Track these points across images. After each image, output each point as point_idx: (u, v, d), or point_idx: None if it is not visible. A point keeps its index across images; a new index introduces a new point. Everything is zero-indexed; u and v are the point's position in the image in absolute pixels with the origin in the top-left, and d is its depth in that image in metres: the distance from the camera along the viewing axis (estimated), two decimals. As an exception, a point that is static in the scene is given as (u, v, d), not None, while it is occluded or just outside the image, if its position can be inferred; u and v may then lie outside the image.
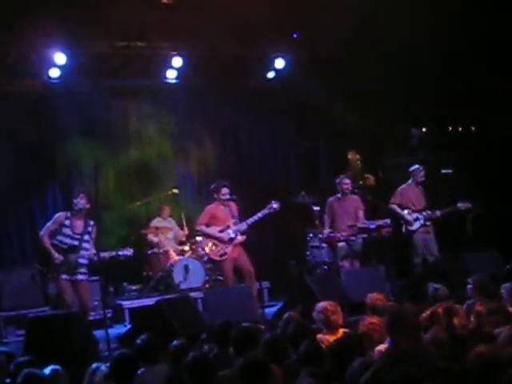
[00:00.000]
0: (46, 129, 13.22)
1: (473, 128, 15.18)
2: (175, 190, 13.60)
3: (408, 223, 12.34)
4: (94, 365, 6.57)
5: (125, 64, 13.32)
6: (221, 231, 11.47)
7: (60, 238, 10.39)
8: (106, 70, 13.23)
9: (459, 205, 12.22)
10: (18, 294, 11.85)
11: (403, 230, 12.44)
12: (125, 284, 13.25)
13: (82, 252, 10.37)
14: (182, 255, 13.06)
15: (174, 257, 13.02)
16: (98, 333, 9.92)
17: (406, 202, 12.45)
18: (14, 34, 11.68)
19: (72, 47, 12.39)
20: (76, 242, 10.38)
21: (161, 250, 13.18)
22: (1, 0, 11.13)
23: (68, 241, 10.38)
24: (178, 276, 12.71)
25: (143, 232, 13.27)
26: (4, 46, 11.99)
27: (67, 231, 10.40)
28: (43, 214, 13.03)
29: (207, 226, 11.56)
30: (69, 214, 10.49)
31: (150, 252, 13.33)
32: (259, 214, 11.46)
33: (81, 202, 10.39)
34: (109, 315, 11.34)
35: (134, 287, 13.26)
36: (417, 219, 12.33)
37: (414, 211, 12.36)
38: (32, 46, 12.09)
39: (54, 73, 12.62)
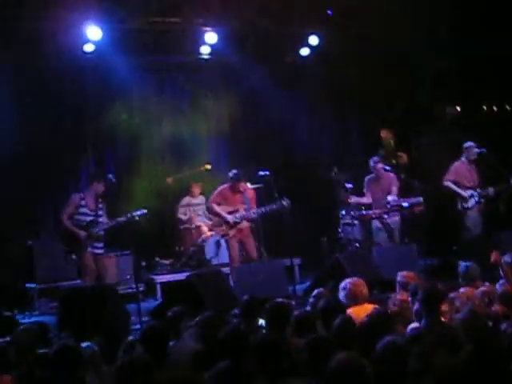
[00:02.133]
0: (79, 104, 13.28)
1: (508, 107, 15.02)
2: (208, 166, 13.61)
3: (464, 200, 12.24)
4: (130, 337, 6.65)
5: (159, 39, 13.31)
6: (229, 213, 11.54)
7: (78, 217, 10.99)
8: (141, 46, 13.23)
9: (511, 182, 12.10)
10: (52, 267, 11.99)
11: (458, 207, 12.35)
12: (157, 259, 13.35)
13: (100, 225, 11.02)
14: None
15: (206, 232, 13.07)
16: (130, 307, 10.03)
17: (460, 178, 12.32)
18: (49, 8, 11.70)
19: (107, 22, 12.41)
20: (93, 218, 10.99)
21: (192, 226, 13.24)
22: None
23: (86, 218, 10.99)
24: (209, 251, 12.80)
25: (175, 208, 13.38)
26: (38, 20, 12.00)
27: (84, 210, 11.02)
28: (77, 189, 13.16)
29: (218, 205, 11.65)
30: (82, 194, 11.19)
31: (181, 227, 13.39)
32: (268, 208, 11.49)
33: (97, 186, 11.14)
34: (141, 289, 11.43)
35: (166, 262, 13.34)
36: (472, 196, 12.24)
37: (468, 188, 12.29)
38: (67, 20, 12.10)
39: (89, 47, 12.66)
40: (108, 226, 11.08)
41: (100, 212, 11.06)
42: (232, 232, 11.47)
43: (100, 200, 11.10)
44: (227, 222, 11.48)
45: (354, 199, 12.38)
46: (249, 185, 11.94)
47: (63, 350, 5.76)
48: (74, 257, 10.92)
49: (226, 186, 11.73)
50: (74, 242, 10.84)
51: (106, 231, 11.17)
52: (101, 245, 11.12)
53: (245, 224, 11.56)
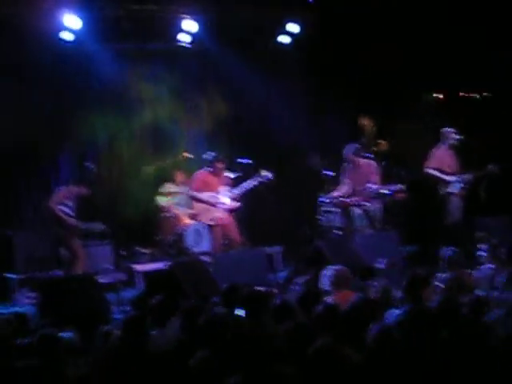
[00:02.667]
0: (58, 92, 13.19)
1: (485, 94, 15.06)
2: (187, 154, 13.58)
3: (448, 185, 12.21)
4: (106, 327, 6.61)
5: (138, 27, 13.24)
6: (213, 196, 11.48)
7: (63, 208, 11.24)
8: (119, 33, 13.15)
9: (490, 167, 12.12)
10: (31, 257, 11.92)
11: (441, 192, 12.37)
12: (136, 248, 13.28)
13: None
14: (195, 219, 13.06)
15: (185, 220, 13.02)
16: (110, 296, 9.98)
17: (441, 165, 12.31)
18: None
19: (85, 10, 12.33)
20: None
21: (172, 214, 13.19)
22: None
23: (69, 211, 11.27)
24: (189, 240, 12.73)
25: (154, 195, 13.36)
26: (15, 6, 11.89)
27: (69, 203, 11.31)
28: (56, 178, 13.11)
29: (199, 191, 11.58)
30: (70, 188, 11.51)
31: (160, 216, 13.34)
32: (252, 182, 11.45)
33: (75, 190, 11.45)
34: (121, 279, 11.38)
35: (145, 251, 13.28)
36: (455, 181, 12.23)
37: (449, 174, 12.30)
38: (45, 7, 12.00)
39: (67, 35, 12.58)
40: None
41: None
42: (220, 214, 11.41)
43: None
44: (214, 205, 11.43)
45: (336, 193, 12.32)
46: (228, 173, 11.90)
47: (43, 339, 5.72)
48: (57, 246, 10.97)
49: (203, 171, 11.67)
50: (63, 228, 11.02)
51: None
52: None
53: (232, 204, 11.49)
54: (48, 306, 8.77)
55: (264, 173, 11.31)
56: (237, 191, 11.56)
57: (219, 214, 11.43)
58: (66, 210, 11.05)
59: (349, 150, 12.20)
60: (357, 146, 12.43)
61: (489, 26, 13.08)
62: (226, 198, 11.44)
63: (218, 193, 11.49)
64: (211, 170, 11.53)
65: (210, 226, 11.60)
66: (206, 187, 11.54)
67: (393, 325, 5.32)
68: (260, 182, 11.38)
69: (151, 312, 6.78)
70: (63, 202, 11.08)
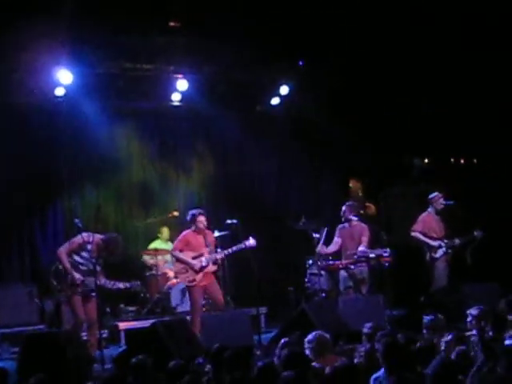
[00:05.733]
0: (48, 147, 13.22)
1: (475, 160, 15.19)
2: (176, 213, 13.60)
3: (433, 250, 12.30)
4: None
5: (131, 85, 13.35)
6: (194, 258, 11.45)
7: (76, 258, 10.40)
8: (112, 91, 13.25)
9: (476, 233, 12.22)
10: (13, 311, 11.82)
11: (426, 257, 12.41)
12: (122, 305, 13.19)
13: (99, 277, 10.33)
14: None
15: (172, 279, 12.98)
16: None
17: (427, 229, 12.41)
18: (21, 50, 11.70)
19: (78, 66, 12.44)
20: (92, 266, 10.28)
21: (158, 272, 13.15)
22: (8, 16, 11.15)
23: (85, 262, 10.39)
24: (175, 299, 12.69)
25: (141, 254, 13.34)
26: (10, 62, 12.00)
27: (85, 254, 10.40)
28: (43, 233, 13.09)
29: (181, 251, 11.55)
30: (91, 237, 10.31)
31: (147, 274, 13.30)
32: (234, 248, 11.45)
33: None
34: (104, 336, 11.28)
35: (130, 308, 13.19)
36: (440, 247, 12.30)
37: (436, 239, 12.35)
38: (38, 63, 12.11)
39: (60, 91, 12.67)
40: (103, 286, 10.48)
41: (98, 267, 10.34)
42: (199, 277, 11.36)
43: (103, 254, 10.44)
44: (192, 268, 11.39)
45: (322, 249, 12.34)
46: (216, 233, 11.90)
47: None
48: (36, 300, 10.71)
49: (187, 231, 11.65)
50: (65, 281, 10.31)
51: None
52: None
53: (211, 268, 11.46)
54: (29, 362, 8.69)
55: (251, 240, 11.31)
56: (219, 255, 11.52)
57: (197, 277, 11.37)
58: (81, 260, 10.34)
59: (348, 209, 12.26)
60: (355, 205, 12.50)
61: (477, 93, 13.27)
62: (207, 261, 11.40)
63: (200, 254, 11.46)
64: (194, 228, 11.52)
65: (188, 286, 11.53)
66: (189, 247, 11.51)
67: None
68: (244, 249, 11.37)
69: (133, 371, 6.72)
70: (79, 253, 10.34)
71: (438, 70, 13.18)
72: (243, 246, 11.33)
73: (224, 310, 11.40)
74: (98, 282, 10.20)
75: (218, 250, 11.61)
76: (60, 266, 10.37)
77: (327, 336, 7.48)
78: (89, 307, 10.46)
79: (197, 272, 11.35)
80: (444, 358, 6.24)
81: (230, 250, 11.50)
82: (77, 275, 10.27)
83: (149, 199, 14.14)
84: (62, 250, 10.38)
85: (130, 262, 13.22)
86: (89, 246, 10.29)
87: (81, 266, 10.37)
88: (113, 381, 6.16)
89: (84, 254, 10.38)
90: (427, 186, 13.73)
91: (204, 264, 11.37)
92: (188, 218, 11.56)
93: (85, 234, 10.32)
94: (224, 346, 7.21)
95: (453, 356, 6.54)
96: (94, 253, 10.33)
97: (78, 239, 10.36)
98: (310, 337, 7.44)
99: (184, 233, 11.65)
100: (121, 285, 10.62)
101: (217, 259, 11.50)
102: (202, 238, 11.53)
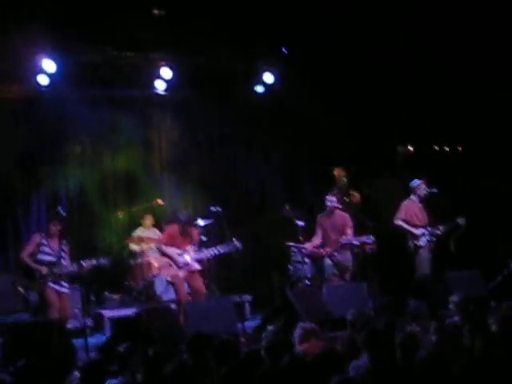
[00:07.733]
0: (32, 136, 13.17)
1: (459, 148, 15.22)
2: (160, 201, 13.58)
3: (416, 238, 12.33)
4: (75, 373, 6.55)
5: (114, 73, 13.29)
6: (179, 254, 11.46)
7: (40, 256, 10.83)
8: (96, 79, 13.19)
9: (459, 220, 12.25)
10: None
11: (410, 245, 12.44)
12: (106, 293, 13.19)
13: (63, 267, 10.79)
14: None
15: (156, 267, 12.96)
16: (78, 341, 9.87)
17: (410, 217, 12.44)
18: (3, 39, 11.63)
19: (62, 55, 12.39)
20: (55, 258, 10.82)
21: (143, 260, 13.14)
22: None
23: (48, 258, 10.84)
24: (159, 287, 12.68)
25: (126, 241, 13.31)
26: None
27: (46, 249, 10.87)
28: (27, 223, 13.05)
29: (166, 245, 11.59)
30: (43, 234, 11.03)
31: (131, 262, 13.28)
32: (220, 249, 11.46)
33: (53, 228, 10.97)
34: (89, 324, 11.27)
35: (115, 296, 13.18)
36: (423, 234, 12.34)
37: (418, 226, 12.38)
38: (21, 52, 12.04)
39: (43, 80, 12.61)
40: (70, 271, 10.85)
41: (63, 254, 10.88)
42: (181, 273, 11.38)
43: (64, 242, 10.97)
44: (176, 264, 11.40)
45: (309, 246, 12.34)
46: (200, 221, 11.88)
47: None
48: (21, 289, 10.74)
49: (174, 227, 11.67)
50: (35, 278, 10.66)
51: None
52: (66, 284, 10.95)
53: (194, 266, 11.46)
54: (12, 351, 8.68)
55: (235, 242, 11.31)
56: (203, 255, 11.51)
57: (179, 273, 11.38)
58: (43, 257, 10.79)
59: (330, 199, 12.27)
60: (337, 196, 12.51)
61: (463, 83, 13.30)
62: (189, 258, 11.41)
63: (184, 251, 11.46)
64: (181, 228, 11.55)
65: (174, 281, 11.55)
66: (173, 242, 11.53)
67: (355, 377, 5.32)
68: (229, 250, 11.38)
69: (117, 359, 6.73)
70: (40, 250, 10.80)
71: (421, 56, 13.18)
72: (229, 247, 11.33)
73: (205, 298, 11.41)
74: (66, 269, 10.76)
75: (203, 249, 11.60)
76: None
77: (314, 326, 7.49)
78: (62, 303, 10.84)
79: (180, 268, 11.37)
80: (430, 346, 6.27)
81: (215, 251, 11.48)
82: (41, 267, 10.70)
83: (133, 187, 14.10)
84: (24, 254, 10.83)
85: (113, 250, 13.25)
86: (44, 241, 10.88)
87: (47, 261, 10.80)
88: (91, 368, 6.14)
89: (45, 249, 10.86)
90: (411, 173, 13.75)
91: (188, 261, 11.39)
92: (182, 217, 11.65)
93: (37, 234, 11.11)
94: (201, 333, 7.21)
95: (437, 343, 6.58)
96: (55, 244, 10.90)
97: (33, 239, 10.99)
98: (298, 328, 7.45)
99: (170, 228, 11.72)
100: (85, 263, 10.75)
101: (202, 259, 11.51)
102: (188, 235, 11.58)
